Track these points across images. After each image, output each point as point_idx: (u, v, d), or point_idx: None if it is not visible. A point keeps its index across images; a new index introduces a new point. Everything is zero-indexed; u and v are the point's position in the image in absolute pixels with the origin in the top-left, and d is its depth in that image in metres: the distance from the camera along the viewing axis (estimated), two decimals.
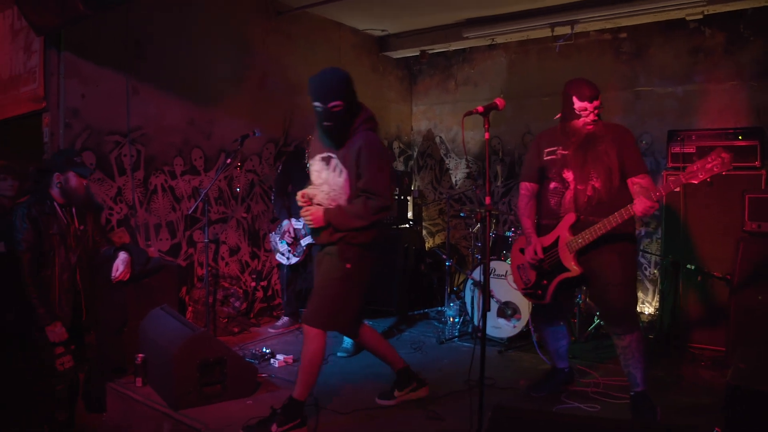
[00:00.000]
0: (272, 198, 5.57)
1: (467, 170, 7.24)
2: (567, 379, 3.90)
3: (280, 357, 4.40)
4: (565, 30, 5.90)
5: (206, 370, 3.56)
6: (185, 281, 5.13)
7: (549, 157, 3.52)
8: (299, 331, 5.27)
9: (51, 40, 4.37)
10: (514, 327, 4.83)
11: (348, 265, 3.25)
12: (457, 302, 5.48)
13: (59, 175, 3.40)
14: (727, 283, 4.38)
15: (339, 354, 4.59)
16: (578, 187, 3.39)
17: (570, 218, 3.40)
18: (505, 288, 4.88)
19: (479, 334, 2.93)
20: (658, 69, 5.84)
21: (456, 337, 5.14)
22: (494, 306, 4.90)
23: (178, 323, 3.82)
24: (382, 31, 6.93)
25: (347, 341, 4.64)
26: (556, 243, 3.46)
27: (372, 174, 3.18)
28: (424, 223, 7.52)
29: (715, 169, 2.93)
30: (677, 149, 4.81)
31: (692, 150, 4.72)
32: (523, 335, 4.89)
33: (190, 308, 5.06)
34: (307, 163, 4.99)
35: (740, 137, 4.61)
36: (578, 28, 5.90)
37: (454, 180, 7.35)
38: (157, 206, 5.00)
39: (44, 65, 4.43)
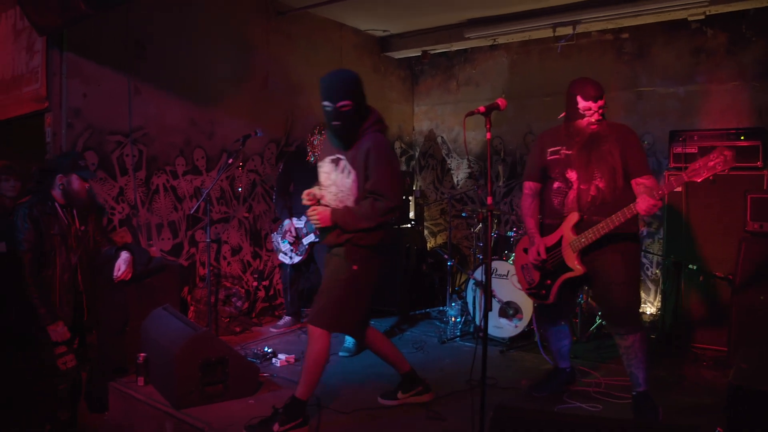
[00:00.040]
0: (273, 198, 5.57)
1: (469, 170, 7.24)
2: (569, 379, 3.90)
3: (281, 356, 4.40)
4: (567, 30, 5.90)
5: (208, 370, 3.56)
6: (187, 281, 5.14)
7: (552, 157, 3.51)
8: (301, 330, 5.29)
9: (53, 40, 4.38)
10: (516, 327, 4.83)
11: (354, 267, 3.25)
12: (459, 302, 5.48)
13: (62, 176, 3.41)
14: (729, 283, 4.38)
15: (341, 354, 4.60)
16: (581, 186, 3.38)
17: (573, 218, 3.39)
18: (507, 288, 4.88)
19: (481, 334, 2.93)
20: (660, 69, 5.84)
21: (458, 336, 5.14)
22: (496, 306, 4.90)
23: (179, 323, 3.82)
24: (384, 31, 6.93)
25: (349, 341, 4.64)
26: (559, 243, 3.45)
27: (380, 175, 3.19)
28: (425, 223, 7.52)
29: (717, 167, 2.91)
30: (679, 149, 4.81)
31: (694, 150, 4.71)
32: (524, 335, 4.89)
33: (191, 308, 5.06)
34: (309, 162, 5.06)
35: (742, 137, 4.61)
36: (580, 29, 5.90)
37: (455, 180, 7.35)
38: (159, 206, 5.01)
39: (46, 65, 4.43)
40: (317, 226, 3.28)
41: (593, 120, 3.37)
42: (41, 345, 3.28)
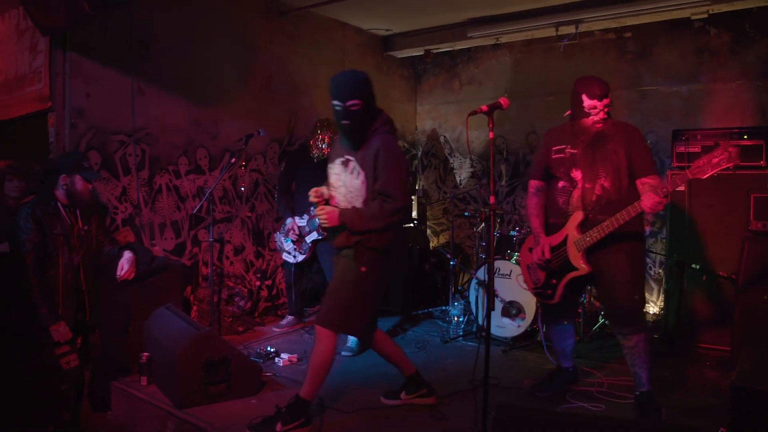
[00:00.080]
0: (275, 197, 5.58)
1: (471, 170, 7.23)
2: (571, 379, 3.89)
3: (284, 356, 4.40)
4: (570, 29, 5.89)
5: (211, 369, 3.56)
6: (190, 280, 5.14)
7: (557, 156, 3.50)
8: (304, 330, 5.29)
9: (56, 40, 4.38)
10: (519, 326, 4.83)
11: (363, 269, 3.25)
12: (462, 301, 5.47)
13: (66, 177, 3.42)
14: (732, 283, 4.37)
15: (344, 353, 4.60)
16: (586, 185, 3.36)
17: (578, 216, 3.38)
18: (510, 287, 4.88)
19: (483, 334, 2.93)
20: (663, 68, 5.83)
21: (460, 336, 5.14)
22: (499, 305, 4.89)
23: (182, 322, 3.83)
24: (387, 30, 6.92)
25: (352, 340, 4.64)
26: (564, 242, 3.45)
27: (388, 176, 3.19)
28: (428, 223, 7.52)
29: (722, 164, 2.89)
30: (682, 149, 4.80)
31: (697, 149, 4.70)
32: (527, 335, 4.89)
33: (194, 307, 5.07)
34: (311, 160, 5.06)
35: (745, 137, 4.60)
36: (583, 28, 5.89)
37: (458, 179, 7.34)
38: (162, 205, 5.01)
39: (50, 65, 4.44)
40: (324, 225, 3.27)
41: (599, 119, 3.35)
42: (42, 345, 3.29)
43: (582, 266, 3.38)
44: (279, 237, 5.29)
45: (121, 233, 4.66)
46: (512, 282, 4.88)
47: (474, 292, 5.08)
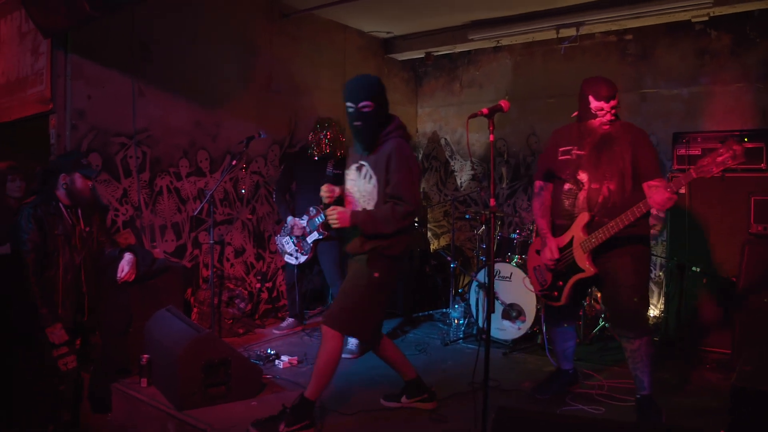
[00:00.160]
0: (274, 198, 5.57)
1: (472, 172, 7.23)
2: (571, 381, 3.89)
3: (284, 358, 4.40)
4: (571, 32, 5.90)
5: (211, 371, 3.57)
6: (190, 282, 5.15)
7: (564, 157, 3.48)
8: (304, 332, 5.29)
9: (58, 42, 4.39)
10: (519, 329, 4.82)
11: (376, 274, 3.27)
12: (462, 304, 5.47)
13: (65, 176, 3.43)
14: (732, 286, 4.37)
15: (344, 355, 4.57)
16: (593, 185, 3.35)
17: (584, 217, 3.37)
18: (510, 290, 4.88)
19: (484, 336, 2.93)
20: (664, 71, 5.83)
21: (460, 338, 5.13)
22: (499, 308, 4.89)
23: (183, 324, 3.83)
24: (388, 33, 6.93)
25: (352, 342, 4.64)
26: (570, 243, 3.44)
27: (400, 179, 3.21)
28: (429, 225, 7.52)
29: (728, 162, 2.87)
30: (683, 151, 4.80)
31: (698, 152, 4.70)
32: (527, 337, 4.88)
33: (195, 309, 5.07)
34: (311, 161, 5.07)
35: (746, 139, 4.59)
36: (583, 30, 5.89)
37: (459, 182, 7.35)
38: (163, 207, 5.02)
39: (51, 67, 4.45)
40: (335, 226, 3.28)
41: (605, 120, 3.34)
42: (42, 345, 3.29)
43: (588, 267, 3.37)
44: (280, 240, 5.29)
45: (122, 235, 4.67)
46: (513, 284, 4.88)
47: (474, 295, 5.07)
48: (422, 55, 7.10)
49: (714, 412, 3.41)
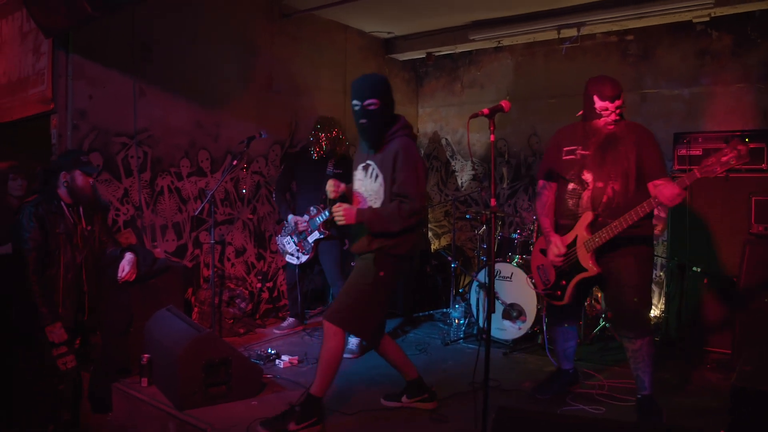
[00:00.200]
0: (274, 198, 5.57)
1: (473, 172, 7.23)
2: (572, 381, 3.89)
3: (285, 358, 4.40)
4: (572, 32, 5.89)
5: (211, 371, 3.57)
6: (191, 282, 5.15)
7: (568, 157, 3.48)
8: (305, 332, 5.30)
9: (59, 42, 4.40)
10: (519, 329, 4.82)
11: (381, 273, 3.28)
12: (463, 304, 5.47)
13: (66, 174, 3.43)
14: (733, 286, 4.37)
15: (344, 355, 4.58)
16: (597, 184, 3.35)
17: (588, 217, 3.36)
18: (511, 290, 4.88)
19: (484, 336, 2.93)
20: (665, 71, 5.83)
21: (461, 338, 5.14)
22: (499, 308, 4.89)
23: (183, 324, 3.83)
24: (389, 33, 6.94)
25: (352, 342, 4.64)
26: (574, 242, 3.43)
27: (406, 177, 3.22)
28: (429, 225, 7.52)
29: (732, 162, 2.87)
30: (683, 152, 4.79)
31: (698, 152, 4.70)
32: (528, 337, 4.88)
33: (195, 309, 5.08)
34: (311, 160, 5.07)
35: (747, 140, 4.56)
36: (585, 31, 5.89)
37: (459, 182, 7.35)
38: (164, 207, 5.02)
39: (52, 67, 4.45)
40: (341, 223, 3.28)
41: (610, 120, 3.33)
42: (42, 345, 3.29)
43: (591, 267, 3.37)
44: (281, 240, 5.29)
45: (123, 235, 4.68)
46: (513, 284, 4.88)
47: (475, 295, 5.07)
48: (423, 56, 7.10)
49: (714, 412, 3.41)
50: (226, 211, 5.48)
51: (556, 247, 3.47)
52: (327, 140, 5.04)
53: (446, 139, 7.46)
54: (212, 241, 4.59)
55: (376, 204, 3.31)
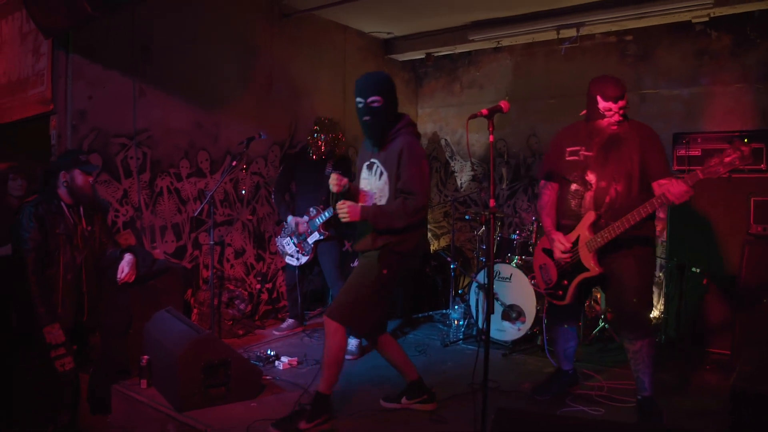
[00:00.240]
0: (273, 198, 5.57)
1: (472, 173, 7.23)
2: (571, 381, 3.89)
3: (284, 359, 4.40)
4: (571, 32, 5.89)
5: (211, 372, 3.57)
6: (190, 283, 5.15)
7: (571, 158, 3.46)
8: (304, 333, 5.29)
9: (59, 43, 4.40)
10: (519, 330, 4.82)
11: (385, 271, 3.28)
12: (462, 305, 5.47)
13: (65, 173, 3.43)
14: (732, 286, 4.37)
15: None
16: (601, 184, 3.34)
17: (590, 217, 3.35)
18: (510, 291, 4.88)
19: (483, 337, 2.93)
20: (664, 71, 5.83)
21: (460, 339, 5.13)
22: (499, 309, 4.89)
23: (183, 325, 3.83)
24: (388, 33, 6.94)
25: (352, 343, 4.64)
26: (576, 242, 3.43)
27: (410, 174, 3.23)
28: (429, 226, 7.52)
29: (736, 162, 2.86)
30: (682, 152, 4.80)
31: (698, 153, 4.71)
32: (527, 338, 4.87)
33: (195, 310, 5.07)
34: (310, 161, 5.07)
35: (746, 140, 4.59)
36: (584, 31, 5.89)
37: (459, 183, 7.35)
38: (163, 208, 5.02)
39: (52, 68, 4.45)
40: (345, 220, 3.28)
41: (614, 121, 3.32)
42: (42, 345, 3.29)
43: (593, 267, 3.36)
44: (280, 241, 5.28)
45: (122, 236, 4.67)
46: (513, 285, 4.88)
47: (474, 296, 5.07)
48: (422, 56, 7.11)
49: (714, 413, 3.41)
50: (225, 212, 5.48)
51: (561, 243, 3.45)
52: (326, 141, 5.03)
53: (445, 139, 7.46)
54: (211, 242, 4.59)
55: (382, 202, 3.32)
